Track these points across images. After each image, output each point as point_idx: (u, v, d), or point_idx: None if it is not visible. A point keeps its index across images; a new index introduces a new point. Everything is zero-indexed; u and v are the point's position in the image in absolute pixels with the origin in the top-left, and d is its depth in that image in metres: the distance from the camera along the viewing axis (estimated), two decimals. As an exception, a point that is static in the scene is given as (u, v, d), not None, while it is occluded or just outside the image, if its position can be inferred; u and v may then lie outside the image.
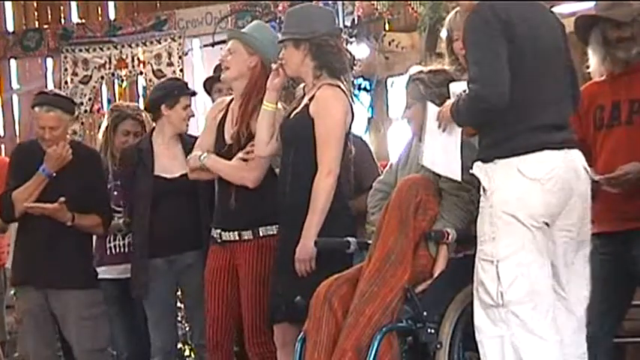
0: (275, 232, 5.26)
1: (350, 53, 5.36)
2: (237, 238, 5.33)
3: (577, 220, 4.31)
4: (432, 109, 4.51)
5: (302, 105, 5.09)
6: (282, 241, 5.11)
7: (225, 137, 5.44)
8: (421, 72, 4.77)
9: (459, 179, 4.47)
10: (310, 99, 5.04)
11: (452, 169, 4.47)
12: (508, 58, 4.18)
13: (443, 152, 4.48)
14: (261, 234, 5.29)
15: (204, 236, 5.66)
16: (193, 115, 6.06)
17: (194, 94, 6.19)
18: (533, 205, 4.18)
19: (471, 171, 4.36)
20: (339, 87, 5.05)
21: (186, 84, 6.28)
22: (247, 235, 5.30)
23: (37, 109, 5.84)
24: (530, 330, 4.17)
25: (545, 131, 4.23)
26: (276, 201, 5.12)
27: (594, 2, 5.39)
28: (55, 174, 5.73)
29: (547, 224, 4.22)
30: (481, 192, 4.28)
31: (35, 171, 5.76)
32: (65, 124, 5.86)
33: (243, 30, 5.61)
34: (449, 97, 4.47)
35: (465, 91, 4.29)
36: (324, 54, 5.06)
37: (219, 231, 5.38)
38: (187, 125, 6.02)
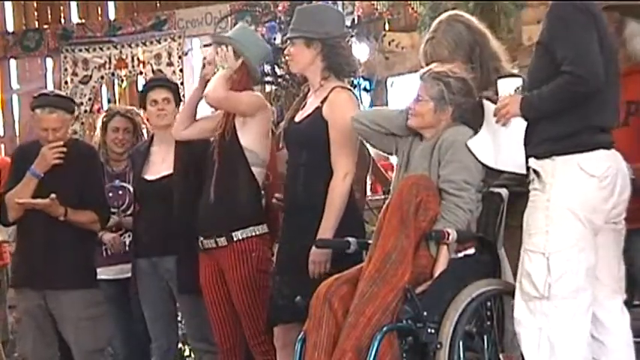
0: (251, 235, 5.29)
1: None
2: (214, 245, 5.34)
3: (621, 212, 4.39)
4: (489, 107, 4.57)
5: (313, 107, 5.11)
6: (287, 241, 5.13)
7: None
8: (447, 74, 4.72)
9: (524, 171, 4.49)
10: (322, 101, 5.07)
11: (517, 163, 4.51)
12: None
13: (503, 147, 4.53)
14: (235, 239, 5.29)
15: (179, 241, 5.66)
16: (162, 110, 5.89)
17: (165, 85, 6.02)
18: (593, 202, 4.28)
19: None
20: (351, 90, 5.10)
21: (158, 79, 6.23)
22: (222, 241, 5.31)
23: (38, 110, 5.81)
24: (570, 326, 4.24)
25: (602, 132, 4.35)
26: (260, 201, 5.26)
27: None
28: (42, 175, 5.70)
29: (598, 221, 4.31)
30: (534, 186, 4.34)
31: None
32: (67, 124, 5.87)
33: (227, 34, 5.63)
34: (462, 107, 4.63)
35: (518, 88, 4.40)
36: (336, 56, 5.11)
37: (201, 238, 5.40)
38: (163, 119, 5.88)
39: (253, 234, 5.31)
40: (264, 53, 5.67)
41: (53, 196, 5.61)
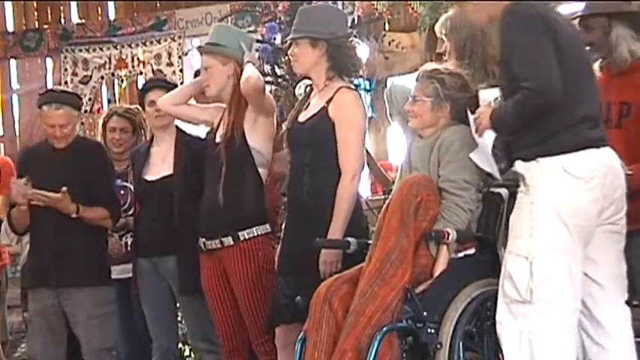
0: (257, 234, 5.29)
1: None
2: (219, 245, 5.33)
3: (616, 212, 4.35)
4: (470, 116, 4.59)
5: (318, 107, 5.11)
6: (290, 241, 5.13)
7: (217, 139, 5.45)
8: (440, 72, 4.75)
9: (499, 177, 4.54)
10: (328, 101, 5.06)
11: (493, 169, 4.56)
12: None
13: (483, 153, 4.57)
14: (241, 238, 5.29)
15: (179, 242, 5.67)
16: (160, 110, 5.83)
17: (163, 86, 5.99)
18: (578, 204, 4.23)
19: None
20: (356, 90, 5.11)
21: (156, 80, 6.20)
22: (228, 241, 5.31)
23: (45, 107, 5.81)
24: (553, 330, 4.20)
25: (586, 126, 4.28)
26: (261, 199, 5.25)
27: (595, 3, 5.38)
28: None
29: (586, 224, 4.26)
30: (520, 188, 4.32)
31: (41, 175, 5.72)
32: (74, 120, 5.89)
33: (208, 41, 5.57)
34: (459, 102, 4.64)
35: (496, 98, 4.38)
36: (342, 56, 5.12)
37: (203, 240, 5.39)
38: (161, 120, 5.86)
39: (258, 233, 5.31)
40: (249, 42, 5.60)
41: (64, 189, 5.61)
